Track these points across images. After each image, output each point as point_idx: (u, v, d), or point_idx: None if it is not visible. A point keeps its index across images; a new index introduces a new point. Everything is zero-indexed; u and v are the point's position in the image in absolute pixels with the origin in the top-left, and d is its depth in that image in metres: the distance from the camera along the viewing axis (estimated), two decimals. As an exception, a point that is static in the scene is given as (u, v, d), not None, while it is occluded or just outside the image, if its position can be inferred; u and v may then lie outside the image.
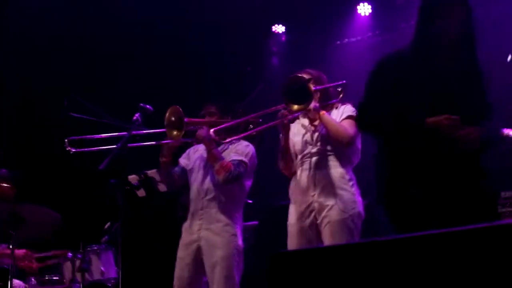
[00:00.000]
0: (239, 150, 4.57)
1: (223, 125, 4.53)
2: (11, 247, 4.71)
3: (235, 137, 4.49)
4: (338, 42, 8.16)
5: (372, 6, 7.81)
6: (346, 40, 8.14)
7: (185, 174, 4.75)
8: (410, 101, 3.09)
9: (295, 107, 4.05)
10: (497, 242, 1.79)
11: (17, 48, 7.13)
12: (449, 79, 3.12)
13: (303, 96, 4.01)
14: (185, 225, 4.63)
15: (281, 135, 4.32)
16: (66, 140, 4.60)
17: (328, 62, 7.96)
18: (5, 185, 5.87)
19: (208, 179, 4.57)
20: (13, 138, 6.97)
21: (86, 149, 4.63)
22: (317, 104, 4.15)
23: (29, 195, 5.86)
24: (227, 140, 4.51)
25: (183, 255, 4.55)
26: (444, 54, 3.11)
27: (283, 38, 8.30)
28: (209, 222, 4.49)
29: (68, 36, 7.18)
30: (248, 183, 4.65)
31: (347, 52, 8.11)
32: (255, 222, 6.20)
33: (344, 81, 4.29)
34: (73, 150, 4.58)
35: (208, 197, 4.53)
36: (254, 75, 7.82)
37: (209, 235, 4.47)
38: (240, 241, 4.51)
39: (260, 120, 4.54)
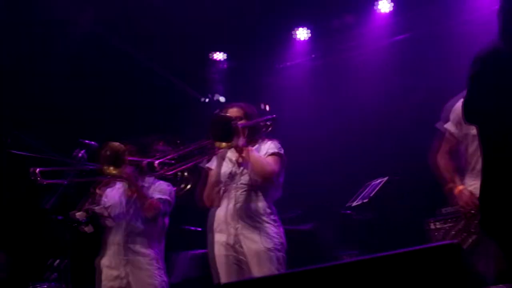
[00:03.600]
0: (162, 190, 4.84)
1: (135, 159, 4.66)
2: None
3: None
4: (281, 66, 8.29)
5: (310, 31, 7.95)
6: (288, 63, 8.28)
7: None
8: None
9: (223, 145, 4.14)
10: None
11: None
12: None
13: (230, 133, 4.10)
14: (104, 262, 4.79)
15: (207, 166, 4.43)
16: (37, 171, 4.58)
17: (270, 86, 8.12)
18: None
19: (133, 215, 4.77)
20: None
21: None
22: (245, 140, 4.24)
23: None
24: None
25: None
26: None
27: (225, 66, 8.39)
28: (134, 257, 4.70)
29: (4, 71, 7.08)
30: (166, 220, 4.92)
31: (287, 75, 8.26)
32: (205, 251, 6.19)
33: (274, 116, 4.43)
34: (45, 182, 4.61)
35: (134, 232, 4.74)
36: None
37: (136, 270, 4.69)
38: (164, 277, 4.79)
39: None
